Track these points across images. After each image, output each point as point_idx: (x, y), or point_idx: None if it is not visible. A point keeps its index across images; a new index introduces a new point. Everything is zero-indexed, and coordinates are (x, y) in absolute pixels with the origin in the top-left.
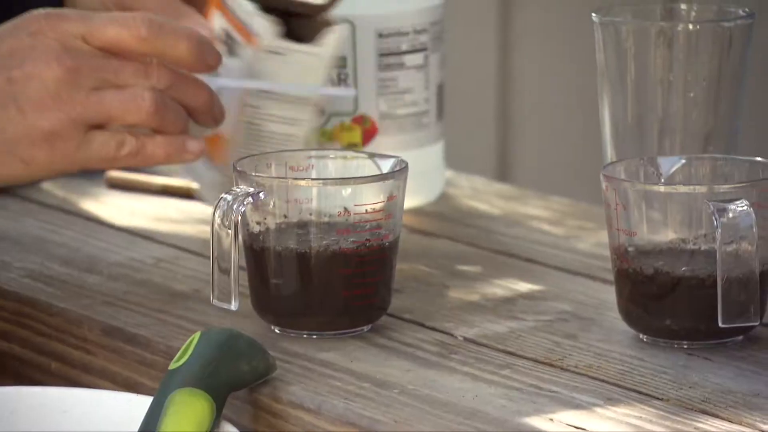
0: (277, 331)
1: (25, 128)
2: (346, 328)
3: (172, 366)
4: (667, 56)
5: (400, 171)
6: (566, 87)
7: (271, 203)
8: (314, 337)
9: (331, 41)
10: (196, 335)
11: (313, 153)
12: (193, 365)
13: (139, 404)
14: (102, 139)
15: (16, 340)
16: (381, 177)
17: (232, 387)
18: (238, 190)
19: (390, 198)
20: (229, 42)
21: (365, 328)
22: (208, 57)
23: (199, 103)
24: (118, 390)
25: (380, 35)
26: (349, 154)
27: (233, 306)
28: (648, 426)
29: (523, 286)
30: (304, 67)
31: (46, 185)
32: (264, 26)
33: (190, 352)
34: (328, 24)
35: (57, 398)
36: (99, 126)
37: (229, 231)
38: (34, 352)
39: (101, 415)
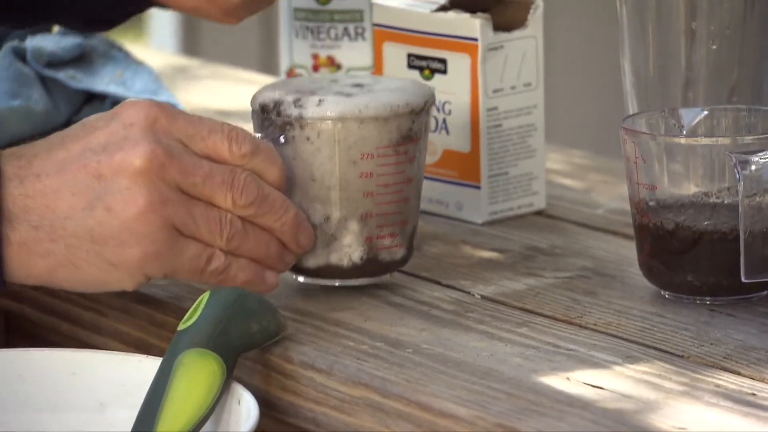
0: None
1: (113, 228)
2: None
3: (181, 326)
4: (690, 6)
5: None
6: (587, 39)
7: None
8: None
9: (538, 19)
10: (206, 295)
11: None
12: (202, 326)
13: (149, 365)
14: (196, 249)
15: (27, 301)
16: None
17: (242, 348)
18: (260, 134)
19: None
20: None
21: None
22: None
23: (280, 225)
24: (128, 351)
25: None
26: None
27: None
28: (667, 384)
29: (543, 242)
30: (525, 54)
31: None
32: (475, 25)
33: (199, 312)
34: (528, 4)
35: (65, 360)
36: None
37: None
38: (46, 314)
39: (110, 377)
